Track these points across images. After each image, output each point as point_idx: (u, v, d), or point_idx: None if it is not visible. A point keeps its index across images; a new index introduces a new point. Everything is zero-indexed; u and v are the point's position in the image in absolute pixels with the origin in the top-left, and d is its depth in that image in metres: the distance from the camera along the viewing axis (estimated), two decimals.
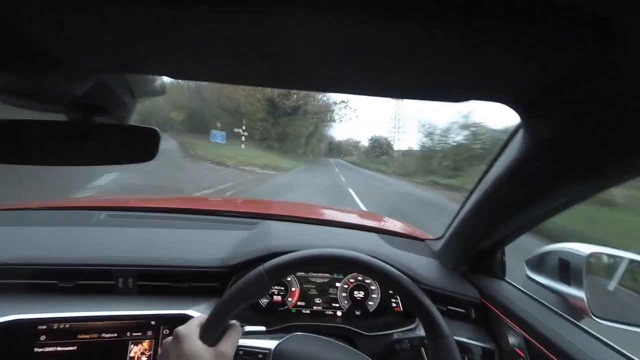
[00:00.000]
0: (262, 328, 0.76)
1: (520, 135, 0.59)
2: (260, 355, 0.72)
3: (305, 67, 0.44)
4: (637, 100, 0.37)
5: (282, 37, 0.35)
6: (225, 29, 0.34)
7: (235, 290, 0.60)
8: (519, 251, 1.08)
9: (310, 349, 0.71)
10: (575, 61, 0.34)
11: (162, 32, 0.35)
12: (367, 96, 0.50)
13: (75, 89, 0.51)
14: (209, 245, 1.05)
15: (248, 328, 0.74)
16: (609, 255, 0.91)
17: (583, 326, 0.79)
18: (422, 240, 1.30)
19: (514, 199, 0.72)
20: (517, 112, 0.51)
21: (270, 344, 0.72)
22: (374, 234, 1.25)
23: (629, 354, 0.69)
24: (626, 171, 0.49)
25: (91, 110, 0.58)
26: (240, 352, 0.72)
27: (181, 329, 0.57)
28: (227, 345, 0.56)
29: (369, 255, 0.66)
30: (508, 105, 0.49)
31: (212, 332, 0.57)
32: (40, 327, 0.78)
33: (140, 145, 0.64)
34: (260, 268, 0.61)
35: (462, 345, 0.90)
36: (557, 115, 0.47)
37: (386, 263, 0.65)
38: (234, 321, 0.61)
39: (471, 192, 0.88)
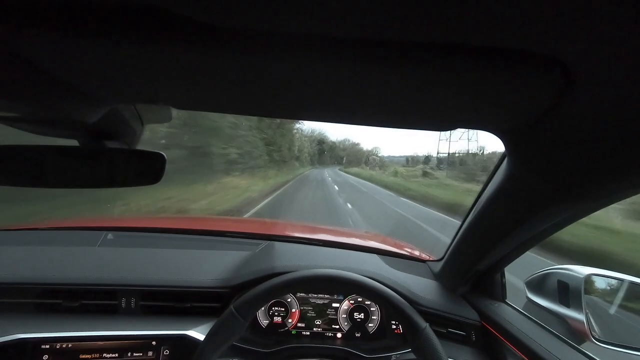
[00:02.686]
0: None
1: (506, 161, 0.62)
2: None
3: (301, 99, 0.47)
4: (603, 135, 0.40)
5: (278, 75, 0.38)
6: (229, 65, 0.37)
7: (210, 336, 0.61)
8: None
9: None
10: (547, 99, 0.38)
11: (169, 67, 0.39)
12: (358, 125, 0.54)
13: (88, 117, 0.54)
14: (211, 266, 1.06)
15: None
16: (608, 277, 0.91)
17: (583, 350, 0.78)
18: (423, 261, 1.30)
19: (506, 221, 0.74)
20: (501, 139, 0.53)
21: None
22: (375, 255, 1.25)
23: None
24: (606, 195, 0.51)
25: (102, 136, 0.62)
26: None
27: None
28: None
29: (368, 277, 0.67)
30: (493, 133, 0.52)
31: None
32: (43, 346, 0.79)
33: (147, 169, 0.67)
34: (231, 307, 0.62)
35: None
36: (537, 145, 0.50)
37: (385, 284, 0.67)
38: None
39: (467, 215, 0.90)
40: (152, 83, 0.45)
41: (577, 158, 0.47)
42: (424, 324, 0.61)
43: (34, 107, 0.49)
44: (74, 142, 0.62)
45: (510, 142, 0.53)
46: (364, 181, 33.13)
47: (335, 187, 20.28)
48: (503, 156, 0.64)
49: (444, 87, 0.38)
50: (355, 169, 69.60)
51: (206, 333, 0.64)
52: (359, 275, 0.65)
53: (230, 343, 0.61)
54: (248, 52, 0.34)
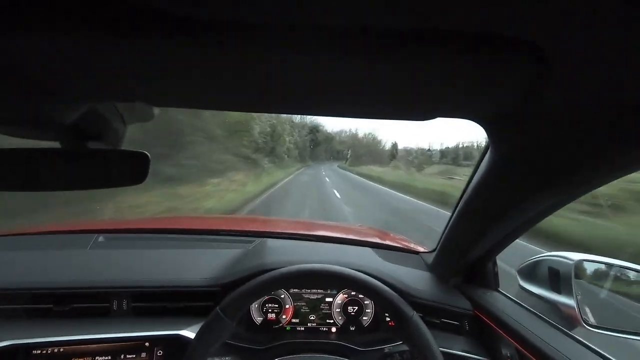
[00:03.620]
0: None
1: (489, 150, 0.62)
2: None
3: (281, 92, 0.46)
4: (584, 118, 0.40)
5: (258, 68, 0.38)
6: (207, 60, 0.37)
7: (198, 338, 0.61)
8: None
9: None
10: (523, 86, 0.38)
11: (147, 63, 0.38)
12: (341, 117, 0.53)
13: (67, 117, 0.53)
14: (203, 265, 1.06)
15: None
16: (597, 263, 0.92)
17: (574, 335, 0.79)
18: (416, 253, 1.31)
19: (493, 209, 0.74)
20: (483, 127, 0.53)
21: None
22: (368, 249, 1.25)
23: None
24: (587, 181, 0.51)
25: (84, 136, 0.61)
26: None
27: None
28: None
29: (358, 270, 0.67)
30: (475, 122, 0.52)
31: None
32: (34, 351, 0.78)
33: (132, 169, 0.66)
34: (217, 309, 0.62)
35: (456, 358, 0.89)
36: (517, 132, 0.50)
37: (377, 277, 0.67)
38: None
39: (457, 204, 0.90)
40: (128, 79, 0.44)
41: (558, 144, 0.47)
42: (411, 312, 0.61)
43: (7, 108, 0.48)
44: (56, 145, 0.61)
45: (493, 130, 0.53)
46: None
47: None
48: (487, 145, 0.64)
49: (422, 75, 0.37)
50: (376, 169, 42.05)
51: (188, 348, 0.63)
52: (345, 268, 0.65)
53: (220, 343, 0.61)
54: (227, 45, 0.33)
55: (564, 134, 0.44)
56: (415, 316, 0.61)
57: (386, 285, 0.69)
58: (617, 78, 0.34)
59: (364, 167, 47.05)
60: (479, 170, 0.71)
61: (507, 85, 0.38)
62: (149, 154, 0.65)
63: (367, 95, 0.45)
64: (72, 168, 0.61)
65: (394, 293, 0.63)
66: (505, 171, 0.61)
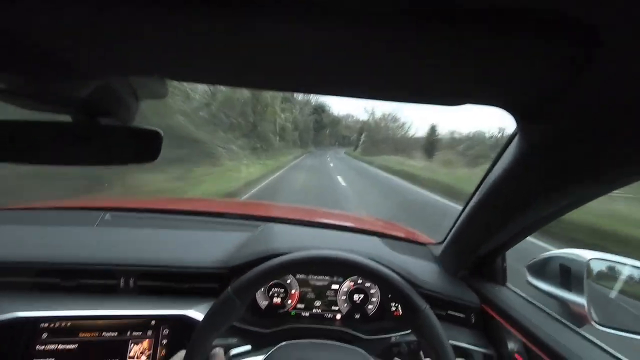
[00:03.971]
0: (248, 347, 0.75)
1: (517, 140, 0.60)
2: None
3: (304, 70, 0.44)
4: (626, 108, 0.38)
5: (280, 43, 0.36)
6: (224, 33, 0.35)
7: (208, 318, 0.61)
8: None
9: (297, 357, 0.71)
10: (566, 70, 0.35)
11: (162, 35, 0.36)
12: (362, 99, 0.51)
13: (79, 91, 0.52)
14: (210, 247, 1.05)
15: (234, 351, 0.73)
16: (610, 262, 0.91)
17: (583, 332, 0.78)
18: (424, 244, 1.30)
19: (512, 203, 0.72)
20: (513, 117, 0.51)
21: None
22: (375, 238, 1.25)
23: None
24: (620, 177, 0.49)
25: (95, 111, 0.59)
26: None
27: None
28: None
29: (368, 258, 0.66)
30: (504, 110, 0.49)
31: None
32: (42, 325, 0.79)
33: (143, 147, 0.65)
34: (228, 289, 0.61)
35: (461, 350, 0.89)
36: (552, 121, 0.47)
37: (385, 266, 0.66)
38: (215, 349, 0.61)
39: (471, 197, 0.89)
40: (143, 52, 0.42)
41: (593, 137, 0.44)
42: (424, 304, 0.61)
43: (20, 79, 0.47)
44: (67, 118, 0.60)
45: (524, 119, 0.51)
46: None
47: None
48: (513, 135, 0.62)
49: (451, 56, 0.35)
50: (410, 163, 26.20)
51: (205, 313, 0.64)
52: (358, 256, 0.64)
53: (228, 325, 0.61)
54: (247, 18, 0.31)
55: (603, 125, 0.42)
56: (428, 308, 0.61)
57: (395, 274, 0.68)
58: None
59: (386, 159, 30.97)
60: (501, 161, 0.69)
61: (547, 69, 0.36)
62: (161, 132, 0.64)
63: (391, 76, 0.42)
64: (82, 143, 0.60)
65: (406, 284, 0.62)
66: (533, 162, 0.59)
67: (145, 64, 0.48)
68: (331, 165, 23.34)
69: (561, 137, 0.48)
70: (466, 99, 0.48)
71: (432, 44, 0.33)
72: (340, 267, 0.77)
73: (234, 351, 0.73)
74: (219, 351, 0.61)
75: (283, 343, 0.76)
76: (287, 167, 17.97)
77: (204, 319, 0.61)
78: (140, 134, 0.64)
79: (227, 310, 0.61)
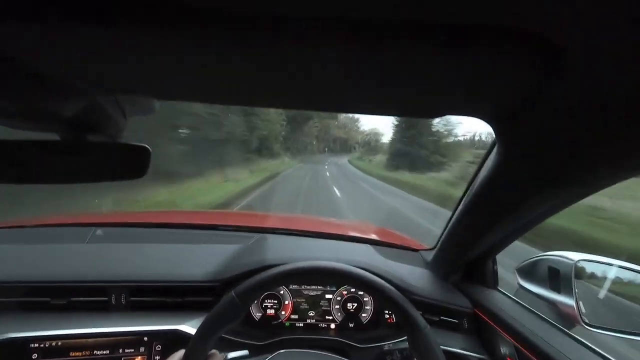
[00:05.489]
0: (245, 352, 0.75)
1: (496, 147, 0.61)
2: None
3: (288, 86, 0.46)
4: (593, 118, 0.39)
5: (263, 61, 0.37)
6: (211, 54, 0.36)
7: (210, 319, 0.61)
8: None
9: None
10: (534, 81, 0.37)
11: (149, 55, 0.37)
12: (344, 113, 0.52)
13: (66, 108, 0.52)
14: (202, 260, 1.05)
15: (231, 355, 0.73)
16: (598, 263, 0.92)
17: (573, 334, 0.79)
18: (416, 250, 1.31)
19: (498, 208, 0.74)
20: (490, 125, 0.53)
21: None
22: (368, 246, 1.25)
23: None
24: (596, 181, 0.51)
25: (83, 129, 0.60)
26: None
27: None
28: None
29: (361, 267, 0.67)
30: (482, 119, 0.51)
31: None
32: (32, 345, 0.78)
33: (132, 163, 0.65)
34: (231, 293, 0.62)
35: (454, 356, 0.90)
36: (526, 130, 0.49)
37: (377, 275, 0.66)
38: (214, 351, 0.61)
39: (459, 202, 0.90)
40: (129, 71, 0.43)
41: (567, 142, 0.46)
42: (424, 323, 0.61)
43: (6, 98, 0.47)
44: (54, 137, 0.60)
45: (500, 128, 0.53)
46: None
47: None
48: (493, 143, 0.63)
49: (425, 70, 0.36)
50: None
51: (198, 327, 0.64)
52: (365, 272, 0.65)
53: (227, 328, 0.61)
54: (232, 37, 0.32)
55: (573, 130, 0.43)
56: (428, 328, 0.61)
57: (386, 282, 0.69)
58: (633, 72, 0.33)
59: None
60: (484, 168, 0.70)
61: (517, 81, 0.37)
62: (149, 148, 0.64)
63: (371, 90, 0.44)
64: (70, 161, 0.60)
65: (409, 302, 0.62)
66: (512, 168, 0.60)
67: (130, 83, 0.48)
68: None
69: (536, 143, 0.50)
70: (445, 111, 0.49)
71: (407, 60, 0.35)
72: (346, 281, 0.78)
73: (231, 355, 0.73)
74: (217, 353, 0.61)
75: (282, 351, 0.76)
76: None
77: (205, 319, 0.61)
78: (128, 150, 0.65)
79: (229, 312, 0.61)
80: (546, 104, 0.41)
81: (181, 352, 0.60)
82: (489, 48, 0.32)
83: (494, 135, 0.57)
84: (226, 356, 0.70)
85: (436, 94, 0.43)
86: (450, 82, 0.39)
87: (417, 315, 0.62)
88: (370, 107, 0.51)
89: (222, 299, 0.62)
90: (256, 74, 0.41)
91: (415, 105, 0.49)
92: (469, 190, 0.81)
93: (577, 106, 0.39)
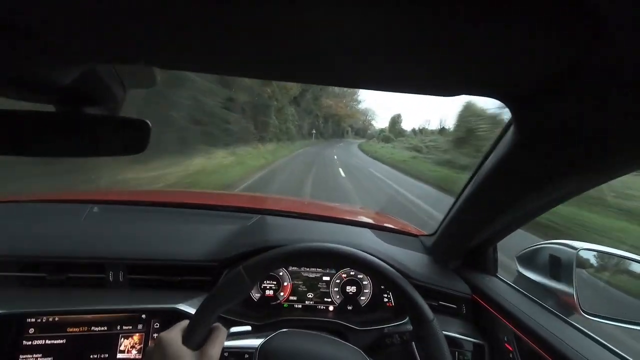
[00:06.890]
0: (248, 328, 0.75)
1: (512, 130, 0.59)
2: (246, 355, 0.70)
3: (298, 57, 0.43)
4: (627, 97, 0.37)
5: (275, 29, 0.35)
6: (218, 20, 0.33)
7: (217, 292, 0.61)
8: None
9: (296, 345, 0.70)
10: (566, 58, 0.34)
11: (151, 20, 0.35)
12: (358, 89, 0.50)
13: (63, 78, 0.50)
14: (201, 239, 1.04)
15: (233, 329, 0.73)
16: (599, 252, 0.92)
17: (571, 321, 0.80)
18: (416, 236, 1.30)
19: (505, 194, 0.72)
20: (508, 107, 0.51)
21: (256, 342, 0.71)
22: (367, 230, 1.25)
23: (614, 348, 0.69)
24: (616, 167, 0.49)
25: (79, 101, 0.57)
26: (226, 354, 0.71)
27: (164, 334, 0.55)
28: (211, 348, 0.55)
29: (361, 250, 0.66)
30: (500, 100, 0.49)
31: (195, 336, 0.56)
32: (28, 320, 0.77)
33: (131, 138, 0.63)
34: (240, 268, 0.61)
35: (452, 341, 0.90)
36: (548, 111, 0.47)
37: (377, 258, 0.66)
38: (217, 323, 0.61)
39: (464, 188, 0.89)
40: (130, 38, 0.40)
41: (591, 126, 0.44)
42: (431, 315, 0.61)
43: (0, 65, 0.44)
44: (49, 108, 0.58)
45: (520, 109, 0.50)
46: None
47: None
48: (508, 125, 0.61)
49: (455, 41, 0.34)
50: None
51: (196, 307, 0.63)
52: (376, 259, 0.64)
53: (232, 304, 0.61)
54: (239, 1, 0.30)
55: (597, 118, 0.41)
56: (435, 320, 0.61)
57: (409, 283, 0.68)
58: None
59: None
60: (495, 152, 0.69)
61: (545, 59, 0.35)
62: (149, 122, 0.62)
63: (389, 64, 0.41)
64: (66, 134, 0.58)
65: (417, 294, 0.62)
66: (527, 153, 0.59)
67: (131, 51, 0.46)
68: None
69: (555, 128, 0.48)
70: (463, 90, 0.47)
71: (429, 32, 0.32)
72: (353, 266, 0.77)
73: (233, 329, 0.73)
74: (220, 326, 0.61)
75: (284, 330, 0.76)
76: None
77: (212, 292, 0.60)
78: (127, 124, 0.62)
79: (236, 286, 0.61)
80: (574, 85, 0.39)
81: (184, 322, 0.59)
82: (520, 20, 0.29)
83: (507, 118, 0.55)
84: (229, 330, 0.70)
85: (457, 70, 0.41)
86: (475, 57, 0.36)
87: (425, 306, 0.61)
88: (387, 84, 0.49)
89: (230, 274, 0.62)
90: (260, 42, 0.38)
91: (432, 81, 0.46)
92: (476, 175, 0.80)
93: (607, 90, 0.37)
